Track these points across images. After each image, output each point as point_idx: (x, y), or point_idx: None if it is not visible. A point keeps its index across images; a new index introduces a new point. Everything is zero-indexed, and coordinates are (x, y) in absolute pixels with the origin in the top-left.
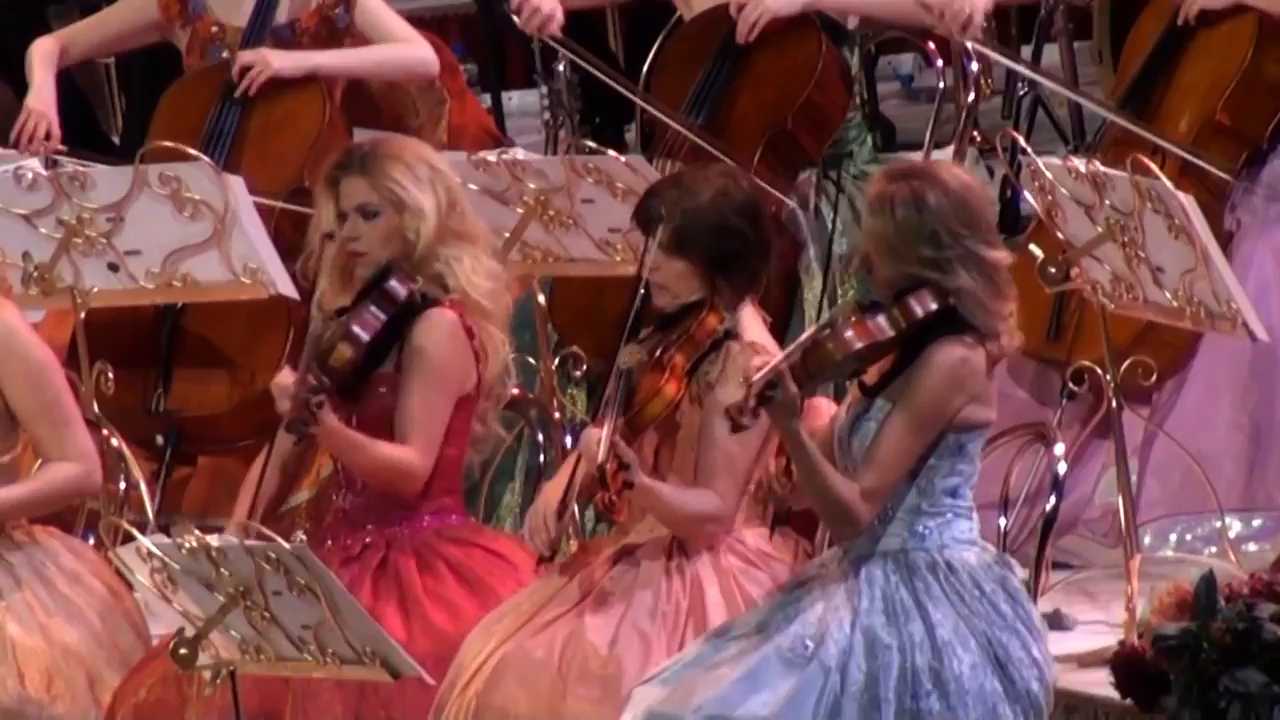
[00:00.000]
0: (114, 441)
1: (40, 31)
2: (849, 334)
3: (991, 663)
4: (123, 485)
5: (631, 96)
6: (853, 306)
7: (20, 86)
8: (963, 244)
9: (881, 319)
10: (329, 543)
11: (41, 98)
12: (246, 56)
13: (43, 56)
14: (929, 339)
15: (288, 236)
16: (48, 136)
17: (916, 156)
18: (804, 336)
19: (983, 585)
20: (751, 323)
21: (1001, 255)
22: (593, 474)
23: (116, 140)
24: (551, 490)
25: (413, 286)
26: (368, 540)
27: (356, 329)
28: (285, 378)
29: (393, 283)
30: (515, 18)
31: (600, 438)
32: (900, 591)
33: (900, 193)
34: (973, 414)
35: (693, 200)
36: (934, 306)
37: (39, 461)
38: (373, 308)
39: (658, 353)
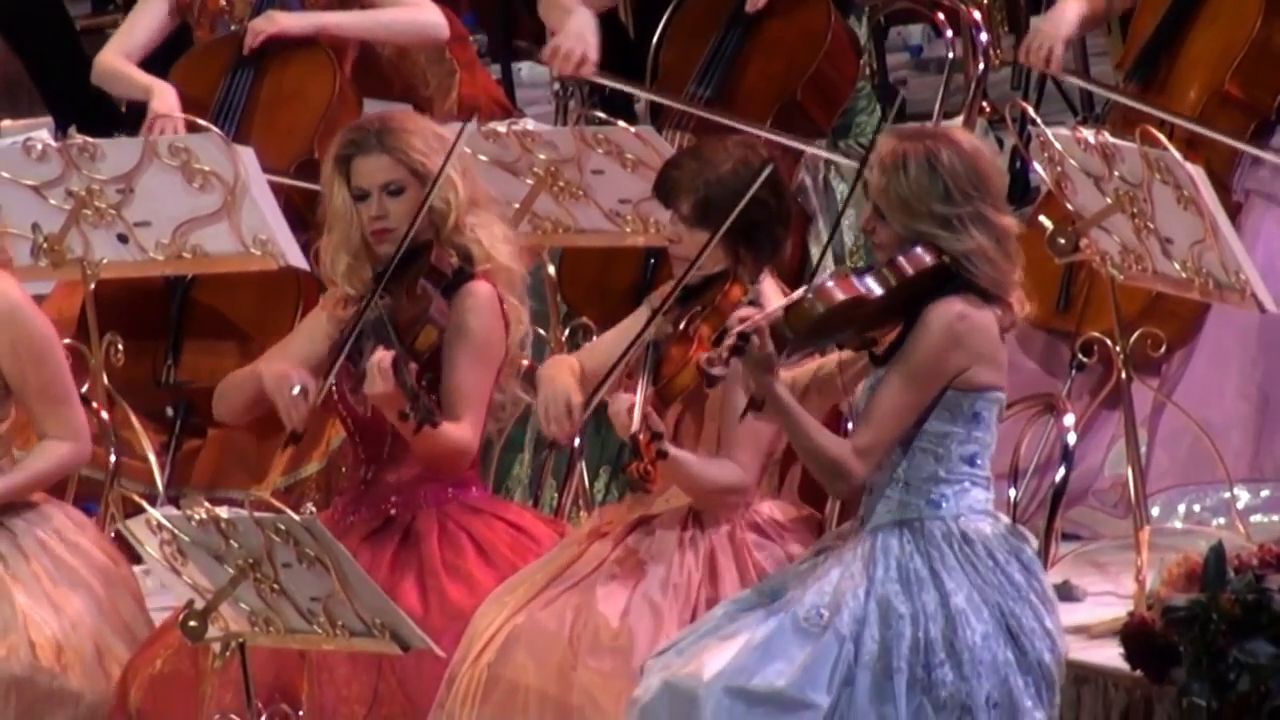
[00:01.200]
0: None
1: (54, 6)
2: (830, 286)
3: (1004, 633)
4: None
5: (670, 103)
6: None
7: (31, 61)
8: (973, 203)
9: (869, 278)
10: (352, 515)
11: (167, 101)
12: (259, 22)
13: (125, 68)
14: (930, 299)
15: (298, 208)
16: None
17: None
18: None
19: (996, 555)
20: (773, 294)
21: (1010, 222)
22: (624, 440)
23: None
24: (562, 374)
25: (450, 260)
26: (392, 511)
27: (435, 314)
28: (386, 361)
29: (437, 259)
30: (548, 66)
31: (631, 406)
32: (915, 560)
33: (914, 150)
34: (979, 375)
35: (714, 171)
36: (928, 261)
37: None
38: (430, 288)
39: (683, 324)
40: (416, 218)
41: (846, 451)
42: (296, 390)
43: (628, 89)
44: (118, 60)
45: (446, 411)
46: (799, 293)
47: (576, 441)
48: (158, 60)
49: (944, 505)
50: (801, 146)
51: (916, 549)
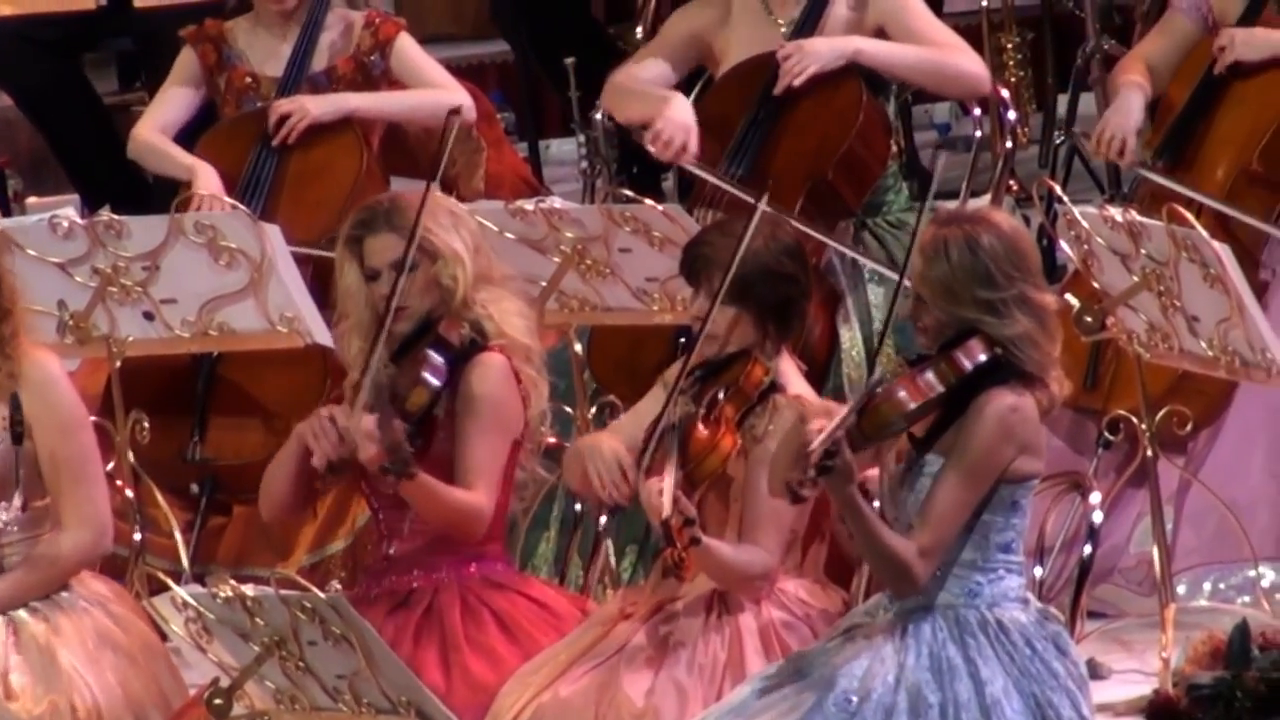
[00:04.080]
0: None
1: (76, 78)
2: (902, 394)
3: None
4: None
5: (743, 195)
6: (899, 363)
7: (52, 135)
8: (1016, 285)
9: (930, 375)
10: (375, 589)
11: (210, 182)
12: (284, 105)
13: (163, 140)
14: (977, 389)
15: (325, 285)
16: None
17: (953, 206)
18: (854, 401)
19: (1034, 644)
20: (792, 373)
21: (1050, 299)
22: (656, 527)
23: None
24: (608, 440)
25: (461, 332)
26: (415, 585)
27: (428, 375)
28: (370, 424)
29: (444, 329)
30: (650, 148)
31: (660, 490)
32: (948, 649)
33: (954, 235)
34: (1024, 465)
35: (745, 248)
36: (982, 358)
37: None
38: (434, 355)
39: (707, 404)
40: (398, 280)
41: (913, 554)
42: (325, 416)
43: (728, 186)
44: (155, 136)
45: (459, 480)
46: (864, 397)
47: (603, 521)
48: (185, 135)
49: (980, 593)
50: (826, 240)
51: (950, 637)
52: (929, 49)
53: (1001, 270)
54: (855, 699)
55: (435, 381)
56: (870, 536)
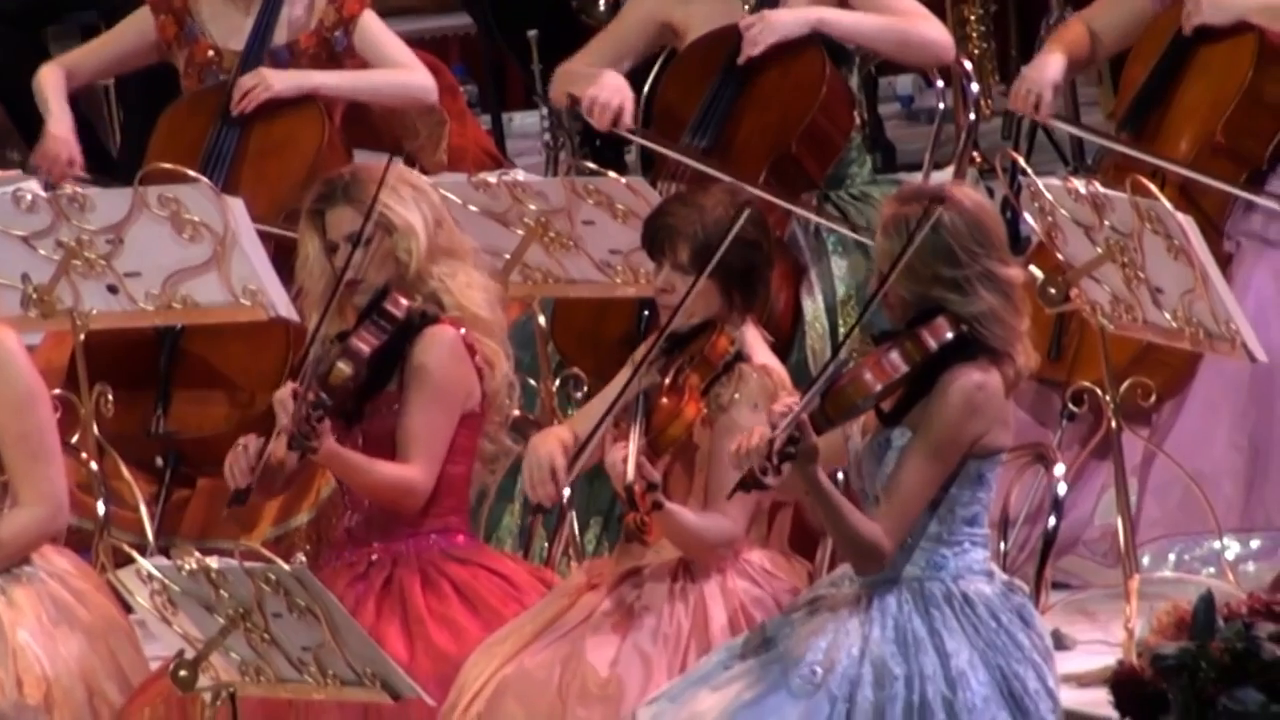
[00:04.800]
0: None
1: (38, 51)
2: (868, 376)
3: (1004, 696)
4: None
5: (696, 165)
6: (862, 341)
7: (14, 107)
8: (979, 262)
9: (895, 355)
10: (335, 562)
11: (62, 124)
12: (246, 79)
13: (54, 84)
14: (944, 366)
15: (287, 258)
16: (70, 163)
17: (916, 178)
18: (818, 383)
19: (999, 616)
20: (757, 343)
21: (1015, 273)
22: (620, 492)
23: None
24: (549, 441)
25: (410, 304)
26: (374, 558)
27: (356, 344)
28: (286, 392)
29: (389, 301)
30: (588, 118)
31: (625, 456)
32: (914, 621)
33: (915, 213)
34: (992, 440)
35: (708, 216)
36: (948, 337)
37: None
38: (371, 326)
39: (672, 374)
40: (351, 254)
41: (879, 533)
42: (239, 447)
43: (662, 149)
44: (49, 75)
45: (399, 452)
46: (829, 378)
47: (567, 493)
48: (147, 108)
49: (945, 566)
50: (791, 207)
51: (915, 609)
52: (892, 17)
53: (964, 247)
54: (820, 671)
55: (362, 350)
56: (836, 518)
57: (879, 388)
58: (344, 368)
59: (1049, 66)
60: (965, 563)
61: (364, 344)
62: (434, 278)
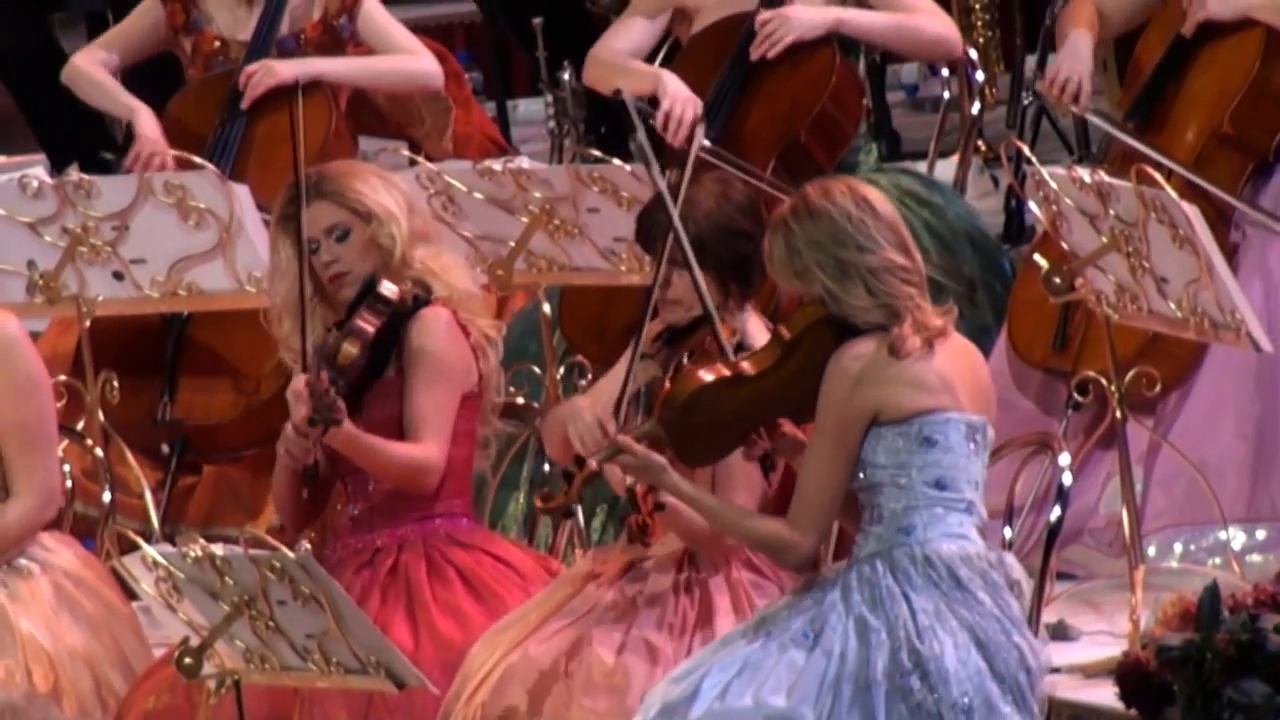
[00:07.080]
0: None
1: (44, 37)
2: (699, 370)
3: (974, 643)
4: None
5: (770, 188)
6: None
7: (20, 93)
8: (837, 260)
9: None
10: (340, 549)
11: (149, 123)
12: (252, 69)
13: (110, 80)
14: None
15: None
16: (164, 166)
17: (921, 166)
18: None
19: (959, 573)
20: (759, 332)
21: (886, 255)
22: (621, 494)
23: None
24: (581, 401)
25: (402, 288)
26: (380, 544)
27: (359, 325)
28: (299, 383)
29: (383, 286)
30: (661, 132)
31: None
32: (886, 579)
33: (770, 237)
34: (905, 401)
35: (699, 209)
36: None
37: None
38: (368, 311)
39: (673, 369)
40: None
41: (779, 527)
42: (290, 430)
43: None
44: (96, 69)
45: (408, 434)
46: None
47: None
48: (153, 96)
49: (913, 532)
50: (768, 186)
51: (887, 570)
52: (902, 15)
53: (815, 258)
54: (811, 633)
55: (367, 330)
56: (723, 522)
57: (709, 379)
58: (350, 348)
59: (1082, 52)
60: (938, 529)
61: (367, 324)
62: (418, 261)
